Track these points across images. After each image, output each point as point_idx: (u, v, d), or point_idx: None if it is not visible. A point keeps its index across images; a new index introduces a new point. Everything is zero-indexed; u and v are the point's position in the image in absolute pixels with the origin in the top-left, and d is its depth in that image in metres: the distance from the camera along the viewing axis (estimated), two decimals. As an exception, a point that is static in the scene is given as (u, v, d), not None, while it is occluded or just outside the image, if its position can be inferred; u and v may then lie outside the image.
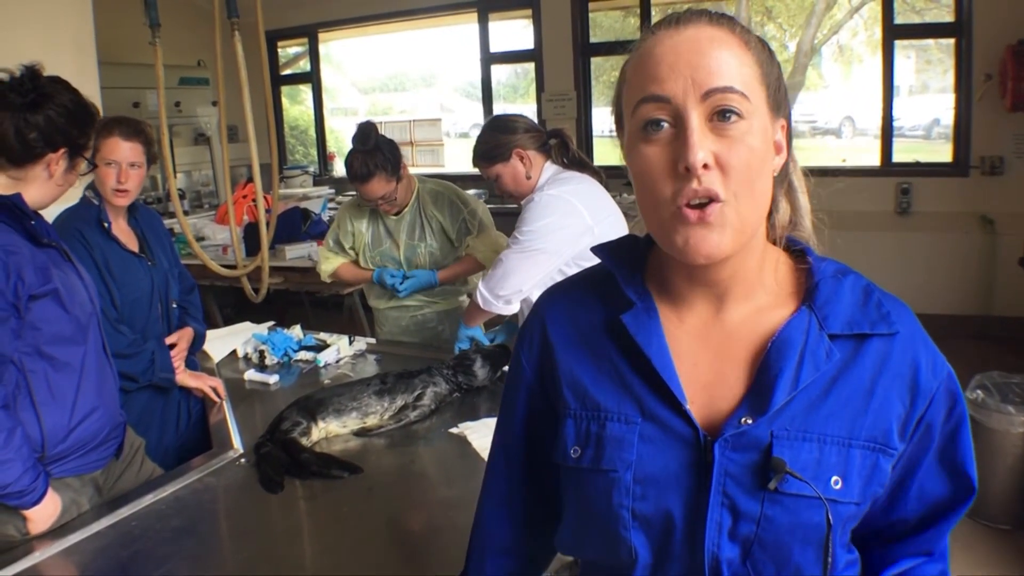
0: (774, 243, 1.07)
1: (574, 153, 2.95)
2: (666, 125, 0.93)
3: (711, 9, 0.98)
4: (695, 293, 1.04)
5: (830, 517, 0.94)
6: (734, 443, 0.96)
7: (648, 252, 1.10)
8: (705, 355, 1.03)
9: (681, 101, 0.91)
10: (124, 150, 2.68)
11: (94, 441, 2.17)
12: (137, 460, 2.44)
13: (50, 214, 2.69)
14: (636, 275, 1.08)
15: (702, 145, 0.90)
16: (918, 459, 1.03)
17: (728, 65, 0.92)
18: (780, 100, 0.99)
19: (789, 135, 1.03)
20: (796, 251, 1.08)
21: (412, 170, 3.50)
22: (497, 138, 2.92)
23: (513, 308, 2.85)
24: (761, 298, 1.03)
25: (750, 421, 0.96)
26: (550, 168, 2.92)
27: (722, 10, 1.01)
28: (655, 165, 0.93)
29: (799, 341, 0.98)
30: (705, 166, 0.90)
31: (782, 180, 1.06)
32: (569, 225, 2.72)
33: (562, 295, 1.16)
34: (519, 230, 2.77)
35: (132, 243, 2.82)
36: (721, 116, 0.91)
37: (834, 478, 0.96)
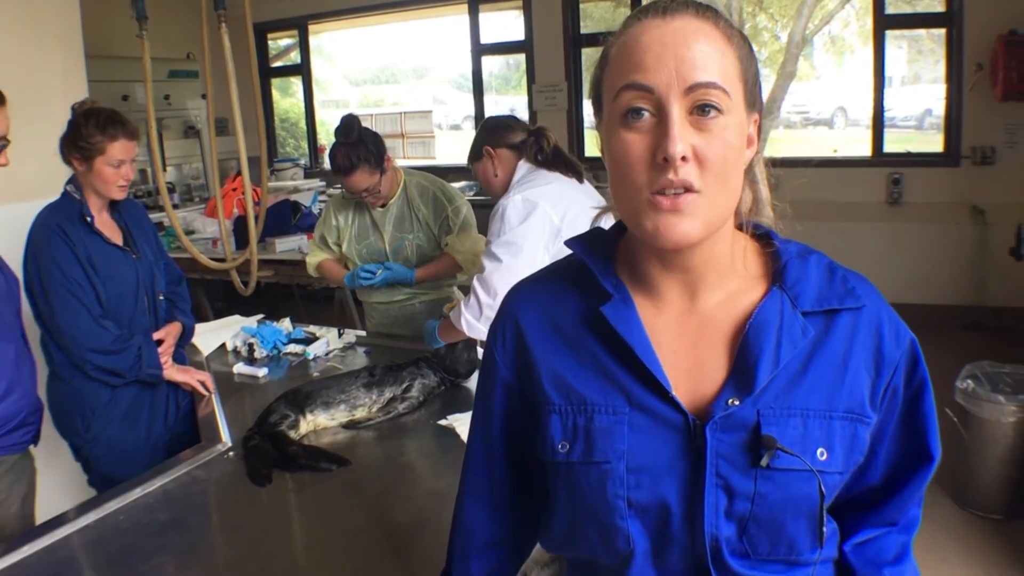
0: (740, 228, 1.09)
1: (548, 151, 2.85)
2: (647, 114, 0.94)
3: (698, 0, 0.99)
4: (669, 281, 1.05)
5: (823, 488, 0.98)
6: (723, 424, 0.99)
7: (617, 243, 1.11)
8: (683, 342, 1.04)
9: (664, 93, 0.92)
10: (129, 149, 2.70)
11: (12, 423, 2.16)
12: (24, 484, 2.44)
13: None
14: (609, 266, 1.09)
15: (682, 137, 0.91)
16: (885, 425, 1.07)
17: (712, 60, 0.93)
18: (755, 95, 1.01)
19: (760, 129, 1.05)
20: (760, 235, 1.10)
21: (403, 162, 3.49)
22: (476, 140, 2.95)
23: None
24: (732, 283, 1.05)
25: (737, 402, 0.98)
26: (523, 167, 2.86)
27: (710, 1, 1.01)
28: (633, 153, 0.94)
29: (775, 321, 1.01)
30: (683, 158, 0.91)
31: (748, 171, 1.07)
32: (539, 228, 2.66)
33: (532, 290, 1.16)
34: (493, 244, 2.69)
35: (116, 236, 2.81)
36: (701, 111, 0.92)
37: (819, 450, 0.99)
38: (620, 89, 0.95)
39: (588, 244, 1.12)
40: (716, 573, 1.00)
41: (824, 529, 0.99)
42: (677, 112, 0.91)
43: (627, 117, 0.95)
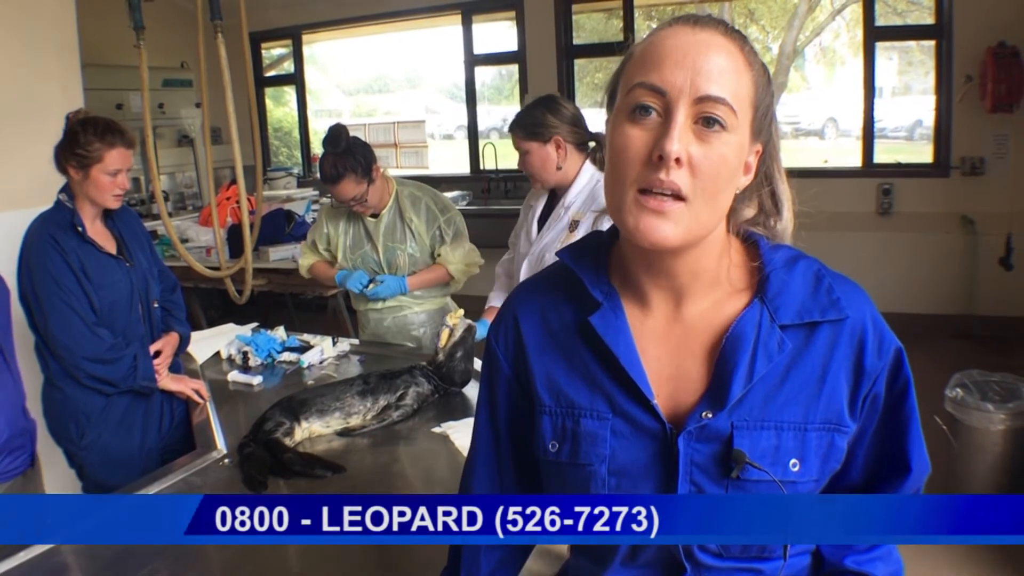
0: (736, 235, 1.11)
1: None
2: (654, 114, 0.96)
3: (728, 22, 1.02)
4: (656, 288, 1.07)
5: None
6: (698, 435, 1.02)
7: (611, 248, 1.14)
8: (667, 350, 1.07)
9: (675, 97, 0.95)
10: (126, 158, 2.69)
11: None
12: None
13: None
14: (601, 274, 1.11)
15: (681, 140, 0.94)
16: (865, 429, 1.09)
17: (728, 77, 0.96)
18: (763, 126, 1.03)
19: (763, 161, 1.06)
20: (751, 243, 1.11)
21: (396, 172, 3.49)
22: (543, 116, 2.80)
23: None
24: (718, 293, 1.07)
25: (710, 415, 1.02)
26: (589, 169, 2.83)
27: (706, 12, 1.04)
28: (633, 147, 0.97)
29: (751, 335, 1.03)
30: (678, 161, 0.93)
31: (756, 189, 1.09)
32: None
33: (533, 294, 1.19)
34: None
35: (109, 245, 2.80)
36: (706, 122, 0.95)
37: (792, 461, 1.02)
38: (635, 85, 0.98)
39: (579, 253, 1.15)
40: (691, 569, 1.05)
41: None
42: (682, 117, 0.94)
43: (635, 112, 0.97)
